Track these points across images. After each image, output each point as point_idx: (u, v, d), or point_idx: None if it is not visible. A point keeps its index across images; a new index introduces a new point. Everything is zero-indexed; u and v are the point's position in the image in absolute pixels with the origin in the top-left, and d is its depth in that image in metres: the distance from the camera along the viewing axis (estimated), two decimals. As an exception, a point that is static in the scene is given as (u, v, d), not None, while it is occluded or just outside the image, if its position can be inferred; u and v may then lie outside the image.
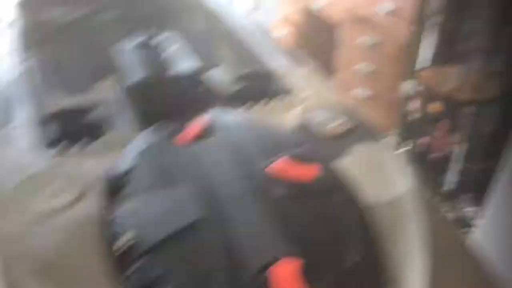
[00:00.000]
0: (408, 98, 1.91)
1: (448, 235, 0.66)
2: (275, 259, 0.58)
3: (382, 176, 0.76)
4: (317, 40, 2.60)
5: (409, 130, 1.81)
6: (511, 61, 1.57)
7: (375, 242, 0.62)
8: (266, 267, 0.57)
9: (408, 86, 1.90)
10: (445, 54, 1.59)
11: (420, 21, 1.78)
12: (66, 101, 1.03)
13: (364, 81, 2.15)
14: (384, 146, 0.83)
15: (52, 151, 0.83)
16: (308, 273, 0.56)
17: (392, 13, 1.96)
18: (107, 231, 0.65)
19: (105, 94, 1.20)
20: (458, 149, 1.57)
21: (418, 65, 1.78)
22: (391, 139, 1.23)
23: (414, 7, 1.81)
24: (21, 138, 0.88)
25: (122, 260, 0.60)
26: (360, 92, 2.20)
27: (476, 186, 1.56)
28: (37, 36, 1.41)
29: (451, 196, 1.56)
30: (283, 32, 2.80)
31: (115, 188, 0.72)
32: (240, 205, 0.66)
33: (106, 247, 0.64)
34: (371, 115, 1.21)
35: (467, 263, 0.68)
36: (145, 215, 0.66)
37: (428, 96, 1.75)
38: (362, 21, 2.16)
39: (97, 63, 1.40)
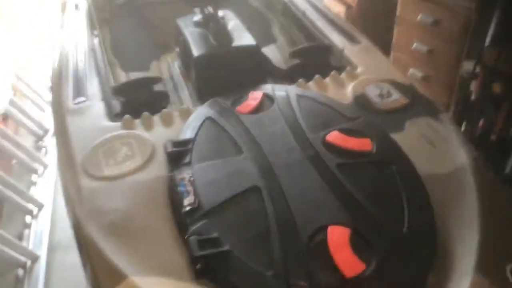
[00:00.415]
0: (469, 78, 1.83)
1: (504, 212, 0.65)
2: (326, 226, 0.61)
3: (440, 149, 0.76)
4: (374, 17, 2.53)
5: (469, 111, 1.75)
6: None
7: (429, 213, 0.63)
8: (317, 232, 0.60)
9: (468, 66, 1.82)
10: (510, 33, 1.51)
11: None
12: (131, 76, 1.11)
13: (423, 60, 2.08)
14: (442, 121, 0.82)
15: (120, 121, 0.91)
16: (358, 240, 0.59)
17: (456, -11, 1.88)
18: (172, 193, 0.71)
19: (165, 69, 1.27)
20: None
21: (480, 44, 1.70)
22: (449, 115, 1.20)
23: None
24: (93, 109, 0.97)
25: (185, 221, 0.66)
26: (416, 72, 2.14)
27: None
28: (101, 15, 1.50)
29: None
30: (338, 8, 2.76)
31: (181, 153, 0.78)
32: (297, 173, 0.70)
33: (171, 209, 0.70)
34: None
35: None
36: (206, 179, 0.71)
37: (490, 76, 1.67)
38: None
39: (157, 39, 1.48)
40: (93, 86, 1.04)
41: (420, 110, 0.85)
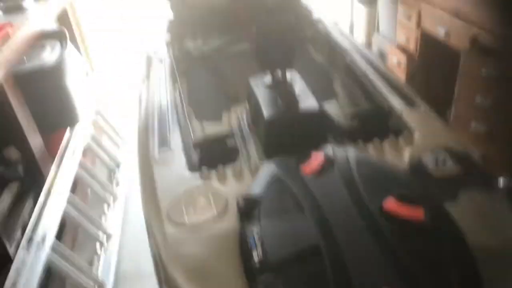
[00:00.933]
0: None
1: None
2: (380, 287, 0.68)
3: (492, 223, 0.81)
4: (435, 69, 2.58)
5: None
6: None
7: (475, 283, 0.68)
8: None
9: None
10: None
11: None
12: (206, 131, 1.27)
13: (484, 115, 2.08)
14: (496, 192, 0.87)
15: (199, 173, 1.05)
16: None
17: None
18: (243, 245, 0.82)
19: (235, 124, 1.43)
20: None
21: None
22: (506, 182, 1.20)
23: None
24: (176, 160, 1.12)
25: (253, 272, 0.76)
26: (478, 126, 2.14)
27: None
28: (181, 68, 1.71)
29: None
30: (398, 58, 2.84)
31: (251, 207, 0.89)
32: (354, 236, 0.78)
33: (241, 260, 0.81)
34: (488, 153, 1.21)
35: None
36: (272, 235, 0.81)
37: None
38: (488, 51, 2.11)
39: (228, 92, 1.66)
40: (175, 138, 1.21)
41: (474, 180, 0.91)
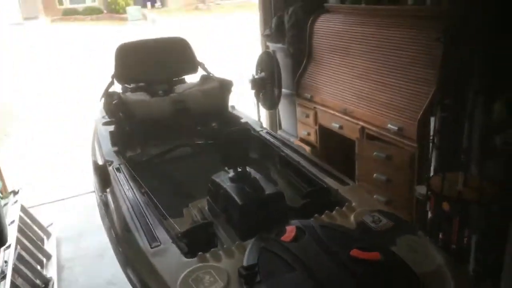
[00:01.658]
0: (424, 200, 2.36)
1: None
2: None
3: (422, 255, 1.17)
4: (335, 154, 3.16)
5: (429, 226, 2.21)
6: (506, 168, 2.08)
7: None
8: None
9: (422, 190, 2.36)
10: (448, 164, 2.08)
11: (423, 139, 2.33)
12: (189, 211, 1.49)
13: (383, 187, 2.62)
14: (419, 236, 1.25)
15: (195, 258, 1.25)
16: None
17: (399, 132, 2.53)
18: None
19: (196, 214, 1.66)
20: (471, 242, 1.98)
21: (427, 174, 2.26)
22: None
23: (417, 127, 2.37)
24: (170, 251, 1.30)
25: None
26: (380, 197, 2.65)
27: (491, 273, 1.92)
28: (138, 174, 1.92)
29: (476, 280, 1.91)
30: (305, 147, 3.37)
31: (252, 275, 1.11)
32: (337, 280, 1.06)
33: None
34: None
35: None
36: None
37: (439, 198, 2.20)
38: (375, 139, 2.73)
39: (182, 191, 1.90)
40: (161, 233, 1.39)
41: (403, 229, 1.28)
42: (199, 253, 1.26)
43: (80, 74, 7.58)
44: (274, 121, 4.12)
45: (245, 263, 1.17)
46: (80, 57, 11.47)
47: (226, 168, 1.62)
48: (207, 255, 1.25)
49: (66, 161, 4.81)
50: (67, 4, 23.68)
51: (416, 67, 2.50)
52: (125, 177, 1.81)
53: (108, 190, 1.79)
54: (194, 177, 1.99)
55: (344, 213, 1.41)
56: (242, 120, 2.35)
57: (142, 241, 1.36)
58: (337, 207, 1.45)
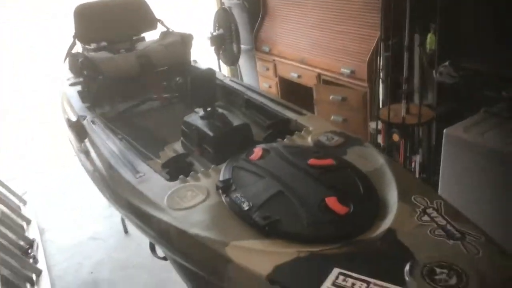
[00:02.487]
0: (376, 134, 2.65)
1: (409, 179, 1.32)
2: (324, 198, 1.20)
3: (368, 159, 1.42)
4: (297, 104, 3.39)
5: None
6: (439, 95, 2.38)
7: (371, 185, 1.26)
8: (321, 202, 1.19)
9: (373, 126, 2.64)
10: (393, 96, 2.36)
11: (372, 77, 2.58)
12: (166, 153, 1.68)
13: (340, 127, 2.89)
14: (366, 146, 1.51)
15: (178, 180, 1.45)
16: (342, 201, 1.19)
17: (352, 75, 2.78)
18: (233, 204, 1.24)
19: (172, 154, 1.85)
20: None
21: (377, 108, 2.54)
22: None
23: (367, 68, 2.63)
24: (154, 178, 1.50)
25: (247, 215, 1.19)
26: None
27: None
28: (113, 124, 2.07)
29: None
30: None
31: (228, 186, 1.33)
32: (299, 180, 1.29)
33: (233, 213, 1.23)
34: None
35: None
36: (251, 194, 1.26)
37: (389, 129, 2.49)
38: (331, 84, 2.98)
39: (156, 136, 2.07)
40: (143, 167, 1.58)
41: (352, 142, 1.53)
42: (180, 176, 1.46)
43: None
44: (236, 77, 4.28)
45: (220, 179, 1.38)
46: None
47: (196, 110, 1.80)
48: (188, 178, 1.45)
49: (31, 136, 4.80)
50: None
51: (365, 13, 2.72)
52: (101, 128, 1.96)
53: (86, 140, 1.93)
54: (165, 125, 2.17)
55: (302, 136, 1.64)
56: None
57: (127, 174, 1.54)
58: (296, 132, 1.68)
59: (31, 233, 2.99)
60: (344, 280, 0.94)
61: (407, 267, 0.93)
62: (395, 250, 1.01)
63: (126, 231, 2.96)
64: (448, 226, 1.05)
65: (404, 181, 1.26)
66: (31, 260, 2.67)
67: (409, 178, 1.40)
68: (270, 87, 3.73)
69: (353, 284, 0.93)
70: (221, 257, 1.10)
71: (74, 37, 2.54)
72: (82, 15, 2.51)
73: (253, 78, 3.99)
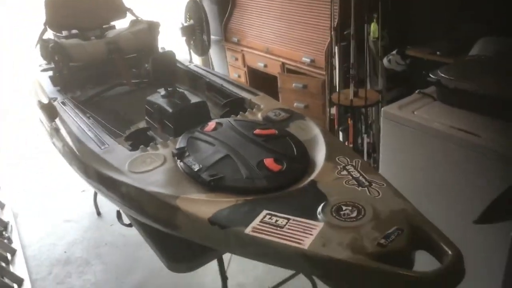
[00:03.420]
0: (332, 119, 2.90)
1: (337, 144, 1.58)
2: (262, 159, 1.42)
3: (306, 130, 1.65)
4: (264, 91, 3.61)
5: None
6: (385, 85, 2.64)
7: (304, 149, 1.49)
8: (260, 162, 1.41)
9: (332, 111, 2.89)
10: (344, 81, 2.61)
11: (328, 65, 2.83)
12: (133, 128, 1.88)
13: (302, 113, 3.13)
14: (306, 120, 1.74)
15: (139, 149, 1.65)
16: (277, 161, 1.41)
17: (312, 64, 3.02)
18: (186, 167, 1.45)
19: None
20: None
21: (329, 93, 2.78)
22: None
23: (325, 57, 2.87)
24: (117, 149, 1.70)
25: (197, 174, 1.40)
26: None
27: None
28: (85, 107, 2.25)
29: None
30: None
31: (182, 152, 1.54)
32: (244, 147, 1.51)
33: (186, 173, 1.44)
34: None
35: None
36: (202, 158, 1.48)
37: (344, 113, 2.74)
38: (294, 72, 3.21)
39: (123, 118, 2.27)
40: (108, 139, 1.77)
41: (296, 117, 1.76)
42: (141, 146, 1.67)
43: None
44: (208, 66, 4.48)
45: (176, 147, 1.59)
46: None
47: (158, 90, 2.01)
48: (148, 148, 1.66)
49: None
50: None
51: (324, 5, 2.96)
52: (71, 108, 2.14)
53: (56, 120, 2.11)
54: (133, 108, 2.36)
55: (253, 113, 1.87)
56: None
57: (93, 146, 1.74)
58: (248, 109, 1.90)
59: (5, 216, 3.14)
60: (270, 218, 1.17)
61: (320, 207, 1.16)
62: (314, 196, 1.24)
63: (98, 213, 3.14)
64: (360, 178, 1.29)
65: (333, 146, 1.50)
66: (5, 241, 2.83)
67: (337, 144, 1.64)
68: (239, 76, 3.94)
69: (276, 221, 1.15)
70: (172, 208, 1.31)
71: (45, 24, 2.70)
72: (53, 2, 2.67)
73: (224, 68, 4.20)
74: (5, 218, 3.08)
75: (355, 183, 1.27)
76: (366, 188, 1.23)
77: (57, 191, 3.51)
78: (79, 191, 3.40)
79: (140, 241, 1.96)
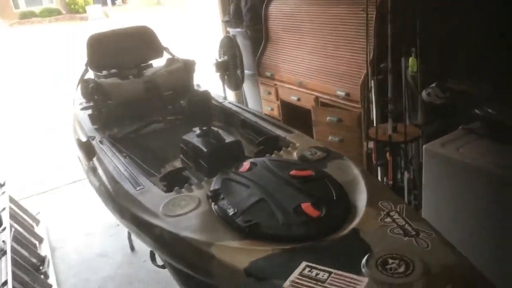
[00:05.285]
0: (370, 153, 2.80)
1: (379, 187, 1.47)
2: (300, 204, 1.36)
3: (345, 171, 1.58)
4: (295, 123, 3.57)
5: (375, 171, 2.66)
6: (425, 120, 2.54)
7: (344, 193, 1.42)
8: (297, 207, 1.35)
9: (370, 145, 2.79)
10: (381, 116, 2.52)
11: (364, 99, 2.76)
12: (166, 170, 1.87)
13: (337, 147, 3.05)
14: (345, 159, 1.67)
15: (173, 191, 1.63)
16: (316, 206, 1.34)
17: (347, 97, 2.96)
18: (221, 210, 1.41)
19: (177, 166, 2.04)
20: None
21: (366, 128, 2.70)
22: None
23: (360, 91, 2.81)
24: (152, 190, 1.68)
25: (232, 219, 1.35)
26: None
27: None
28: (121, 145, 2.27)
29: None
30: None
31: (217, 195, 1.50)
32: (280, 189, 1.46)
33: (221, 217, 1.40)
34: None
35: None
36: (236, 201, 1.43)
37: (382, 149, 2.64)
38: (328, 106, 3.16)
39: (157, 157, 2.27)
40: (144, 180, 1.76)
41: (333, 156, 1.70)
42: (176, 187, 1.64)
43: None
44: (241, 101, 4.50)
45: (211, 189, 1.55)
46: (51, 57, 11.61)
47: (194, 129, 2.00)
48: (182, 189, 1.63)
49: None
50: (23, 7, 23.22)
51: (358, 39, 2.92)
52: (108, 147, 2.16)
53: (94, 159, 2.14)
54: (168, 145, 2.37)
55: (289, 151, 1.82)
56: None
57: (129, 187, 1.73)
58: (283, 148, 1.86)
59: (43, 250, 3.18)
60: (310, 271, 1.09)
61: (364, 259, 1.08)
62: (356, 246, 1.15)
63: (132, 249, 3.12)
64: (406, 226, 1.20)
65: (374, 189, 1.42)
66: (42, 276, 2.84)
67: (379, 186, 1.56)
68: (272, 109, 3.92)
69: (317, 274, 1.08)
70: (206, 255, 1.26)
71: (86, 65, 2.79)
72: (94, 44, 2.77)
73: (257, 101, 4.20)
74: (42, 253, 3.12)
75: (401, 232, 1.18)
76: (413, 238, 1.14)
77: (92, 224, 3.54)
78: (114, 225, 3.41)
79: (173, 280, 1.91)
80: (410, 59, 2.28)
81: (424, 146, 1.89)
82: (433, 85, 2.56)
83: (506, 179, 1.60)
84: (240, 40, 3.92)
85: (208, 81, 3.91)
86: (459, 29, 2.70)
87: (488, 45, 2.53)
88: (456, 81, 2.52)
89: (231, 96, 4.51)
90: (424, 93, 2.57)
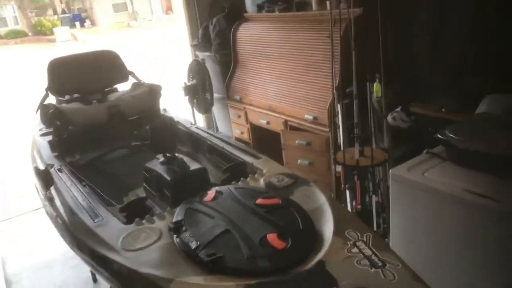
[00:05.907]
0: (339, 177, 2.79)
1: (346, 215, 1.44)
2: (266, 235, 1.31)
3: (312, 198, 1.55)
4: (264, 146, 3.55)
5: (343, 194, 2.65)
6: (391, 143, 2.56)
7: (310, 221, 1.38)
8: (262, 238, 1.30)
9: (338, 169, 2.79)
10: (349, 140, 2.53)
11: (331, 123, 2.77)
12: (129, 199, 1.78)
13: (307, 170, 3.04)
14: (312, 186, 1.64)
15: (133, 223, 1.55)
16: (281, 237, 1.30)
17: (315, 121, 2.97)
18: (183, 244, 1.34)
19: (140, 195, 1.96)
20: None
21: (334, 151, 2.70)
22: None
23: (327, 115, 2.82)
24: (111, 222, 1.59)
25: (194, 253, 1.29)
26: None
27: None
28: (80, 172, 2.18)
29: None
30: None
31: (179, 227, 1.43)
32: (245, 219, 1.41)
33: (183, 251, 1.33)
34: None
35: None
36: (199, 233, 1.37)
37: (350, 172, 2.64)
38: (297, 129, 3.15)
39: (121, 183, 2.18)
40: (103, 211, 1.67)
41: (300, 183, 1.67)
42: (136, 219, 1.56)
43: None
44: (211, 124, 4.45)
45: (173, 220, 1.48)
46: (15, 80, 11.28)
47: (157, 156, 1.93)
48: (143, 221, 1.55)
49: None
50: (-14, 29, 22.68)
51: (325, 64, 2.95)
52: (67, 175, 2.06)
53: (51, 188, 2.02)
54: (132, 172, 2.28)
55: (255, 178, 1.78)
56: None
57: (86, 219, 1.63)
58: (250, 174, 1.81)
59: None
60: (274, 307, 1.04)
61: (329, 294, 1.03)
62: (322, 280, 1.11)
63: (95, 280, 2.97)
64: (373, 257, 1.17)
65: (341, 217, 1.39)
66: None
67: (345, 214, 1.53)
68: (242, 133, 3.89)
69: (281, 311, 1.02)
70: (166, 293, 1.19)
71: (47, 89, 2.69)
72: (55, 69, 2.68)
73: (227, 125, 4.17)
74: (-2, 287, 2.92)
75: (367, 263, 1.15)
76: (379, 270, 1.11)
77: (53, 254, 3.36)
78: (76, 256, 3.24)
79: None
80: (375, 84, 2.31)
81: (390, 171, 1.89)
82: (398, 109, 2.61)
83: (470, 204, 1.61)
84: (209, 64, 3.91)
85: (178, 105, 3.86)
86: (425, 53, 2.78)
87: (454, 68, 2.60)
88: (420, 105, 2.58)
89: (201, 119, 4.46)
90: (389, 117, 2.61)
